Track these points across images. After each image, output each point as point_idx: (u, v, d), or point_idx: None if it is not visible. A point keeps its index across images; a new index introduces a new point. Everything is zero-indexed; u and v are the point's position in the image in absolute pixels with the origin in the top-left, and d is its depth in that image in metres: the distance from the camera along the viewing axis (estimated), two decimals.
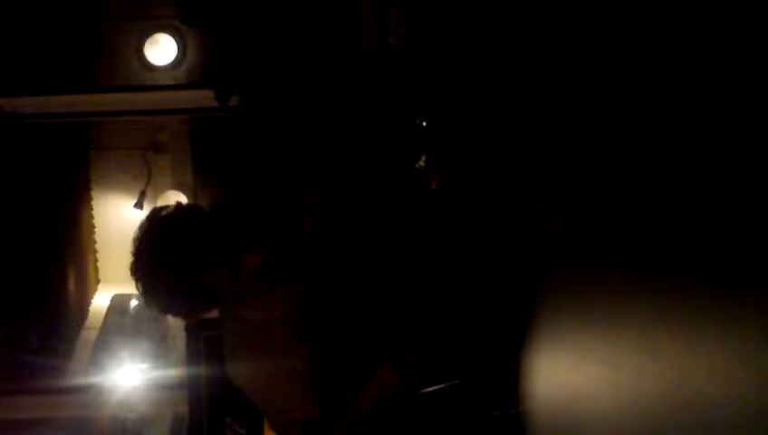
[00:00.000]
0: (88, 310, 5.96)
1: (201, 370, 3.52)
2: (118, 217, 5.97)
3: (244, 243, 1.91)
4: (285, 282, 1.98)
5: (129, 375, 4.97)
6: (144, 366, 5.12)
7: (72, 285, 5.70)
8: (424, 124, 2.63)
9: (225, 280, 1.90)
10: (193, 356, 3.57)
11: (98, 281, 6.15)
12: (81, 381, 5.03)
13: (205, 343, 3.50)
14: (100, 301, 6.02)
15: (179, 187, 5.97)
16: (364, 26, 2.88)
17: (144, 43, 5.18)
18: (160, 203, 5.85)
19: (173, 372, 4.84)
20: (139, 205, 5.81)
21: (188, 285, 1.88)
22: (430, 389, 2.08)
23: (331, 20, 3.15)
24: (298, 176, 2.23)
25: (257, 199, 2.20)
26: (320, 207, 2.11)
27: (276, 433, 2.18)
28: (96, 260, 6.11)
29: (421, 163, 2.56)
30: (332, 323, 2.03)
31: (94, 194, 6.06)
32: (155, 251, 1.88)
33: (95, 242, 6.10)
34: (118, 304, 5.84)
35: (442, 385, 2.09)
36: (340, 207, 2.14)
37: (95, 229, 6.09)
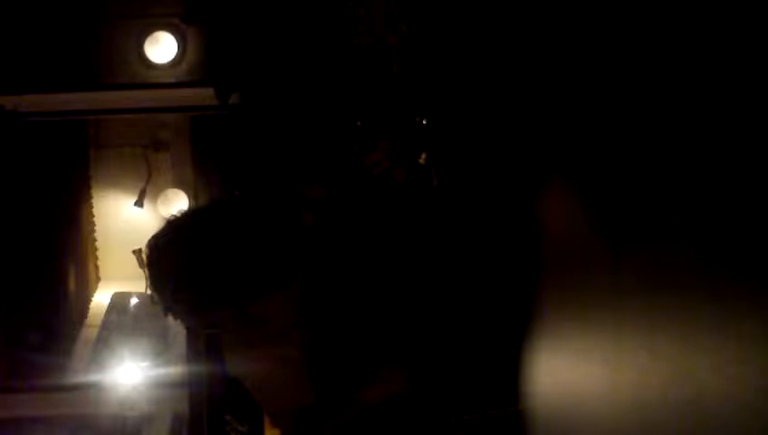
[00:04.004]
0: (88, 308, 5.96)
1: (201, 368, 3.52)
2: (118, 216, 5.98)
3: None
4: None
5: (130, 373, 4.97)
6: (144, 364, 5.12)
7: (72, 283, 5.70)
8: (424, 122, 2.63)
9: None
10: (193, 354, 3.57)
11: (98, 279, 6.14)
12: (81, 379, 5.02)
13: (205, 341, 3.50)
14: (101, 299, 6.01)
15: (179, 185, 5.97)
16: (376, 17, 2.87)
17: (144, 41, 5.18)
18: (160, 201, 5.85)
19: (173, 370, 4.84)
20: (139, 203, 5.81)
21: (235, 306, 1.85)
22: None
23: (340, 13, 3.14)
24: (300, 167, 2.23)
25: (256, 196, 2.19)
26: (321, 200, 2.11)
27: (272, 421, 2.19)
28: (96, 258, 6.11)
29: (421, 161, 2.56)
30: (329, 313, 2.03)
31: (94, 192, 6.06)
32: (195, 281, 1.79)
33: (95, 240, 6.10)
34: (118, 302, 5.84)
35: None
36: (341, 200, 2.15)
37: (95, 227, 6.09)
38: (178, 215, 1.88)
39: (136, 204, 5.82)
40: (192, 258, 1.81)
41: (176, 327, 5.17)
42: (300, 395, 2.02)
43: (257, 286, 1.85)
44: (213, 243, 1.82)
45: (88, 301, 5.98)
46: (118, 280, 5.78)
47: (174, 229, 1.84)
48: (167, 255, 1.82)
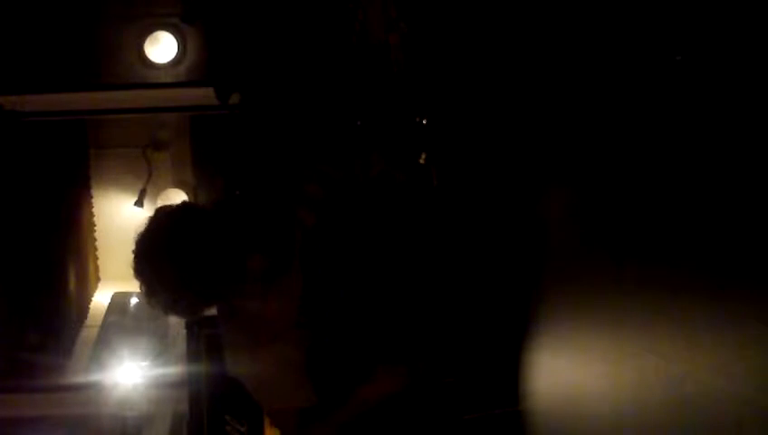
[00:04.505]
0: (88, 308, 5.96)
1: (201, 368, 3.52)
2: (118, 216, 5.97)
3: (248, 247, 1.92)
4: (283, 275, 2.00)
5: (130, 373, 4.97)
6: (144, 364, 5.12)
7: (72, 284, 5.70)
8: (424, 122, 2.63)
9: (230, 284, 1.92)
10: (193, 354, 3.57)
11: (98, 279, 6.14)
12: (81, 379, 5.02)
13: (205, 341, 3.50)
14: (101, 299, 6.01)
15: (180, 185, 5.97)
16: (374, 17, 2.87)
17: (144, 41, 5.17)
18: (161, 201, 5.85)
19: (173, 370, 4.84)
20: (139, 203, 5.81)
21: (193, 289, 1.89)
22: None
23: (339, 11, 3.14)
24: (300, 167, 2.23)
25: (257, 196, 2.19)
26: (322, 199, 2.12)
27: (272, 422, 2.20)
28: (96, 258, 6.11)
29: (421, 161, 2.56)
30: (329, 314, 2.03)
31: (94, 192, 6.06)
32: (160, 257, 1.87)
33: (95, 240, 6.10)
34: (118, 302, 5.84)
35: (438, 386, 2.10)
36: (342, 198, 2.15)
37: (95, 227, 6.09)
38: (154, 218, 1.93)
39: (136, 204, 5.82)
40: (168, 262, 1.87)
41: (176, 327, 5.18)
42: (301, 396, 2.03)
43: (229, 281, 1.89)
44: (188, 243, 1.88)
45: (88, 301, 5.98)
46: (118, 280, 5.78)
47: (150, 235, 1.89)
48: (147, 262, 1.89)
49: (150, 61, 5.17)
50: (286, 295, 2.02)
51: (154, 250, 1.88)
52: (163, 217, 1.93)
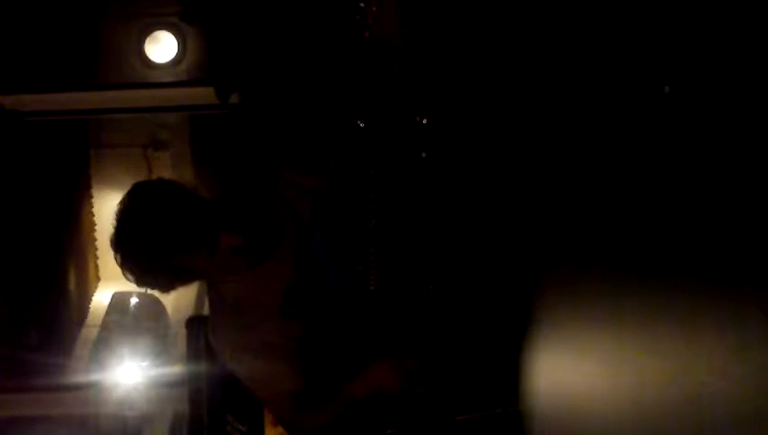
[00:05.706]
0: (88, 307, 5.96)
1: (201, 367, 3.52)
2: None
3: (220, 224, 1.93)
4: (266, 260, 2.01)
5: (130, 373, 4.97)
6: (144, 364, 5.12)
7: (72, 283, 5.70)
8: (424, 122, 2.63)
9: (203, 259, 1.93)
10: (193, 354, 3.56)
11: (98, 278, 6.15)
12: (81, 378, 5.02)
13: (205, 341, 3.50)
14: (101, 298, 6.01)
15: None
16: (389, 13, 2.87)
17: (144, 41, 5.17)
18: None
19: (173, 370, 4.84)
20: None
21: (166, 263, 1.91)
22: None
23: (345, 11, 3.14)
24: (298, 161, 2.23)
25: (243, 181, 2.20)
26: (320, 191, 2.13)
27: (267, 407, 2.22)
28: (96, 258, 6.11)
29: (423, 155, 2.56)
30: (324, 307, 2.04)
31: (94, 191, 6.06)
32: (133, 230, 1.91)
33: (95, 240, 6.10)
34: (118, 301, 5.84)
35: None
36: (341, 191, 2.16)
37: (95, 227, 6.09)
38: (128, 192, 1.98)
39: None
40: (129, 229, 1.92)
41: (176, 327, 5.18)
42: (288, 382, 2.04)
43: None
44: (149, 211, 1.92)
45: (88, 300, 5.98)
46: (118, 280, 5.75)
47: (119, 205, 1.93)
48: (114, 230, 1.93)
49: (150, 60, 5.17)
50: (270, 282, 2.03)
51: (127, 229, 1.92)
52: (138, 195, 1.96)
